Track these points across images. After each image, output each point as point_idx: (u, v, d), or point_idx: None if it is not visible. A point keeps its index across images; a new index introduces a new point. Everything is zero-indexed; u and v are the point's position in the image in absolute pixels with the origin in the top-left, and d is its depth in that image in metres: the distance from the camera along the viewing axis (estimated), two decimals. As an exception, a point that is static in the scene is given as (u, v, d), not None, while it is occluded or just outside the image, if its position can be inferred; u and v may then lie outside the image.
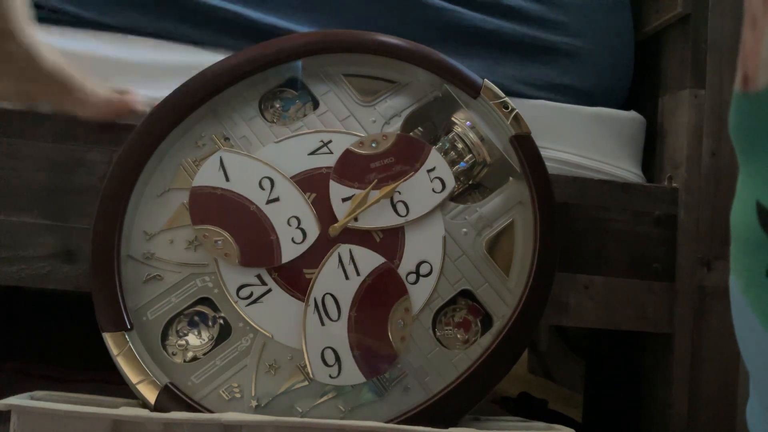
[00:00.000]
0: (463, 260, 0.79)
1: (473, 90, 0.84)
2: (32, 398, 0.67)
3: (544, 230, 0.80)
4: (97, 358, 0.75)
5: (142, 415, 0.64)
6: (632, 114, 0.99)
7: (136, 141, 0.76)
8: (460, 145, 0.84)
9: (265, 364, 0.73)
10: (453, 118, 0.85)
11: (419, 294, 0.77)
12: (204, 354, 0.73)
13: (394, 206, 0.79)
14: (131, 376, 0.70)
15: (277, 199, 0.77)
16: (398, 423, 0.72)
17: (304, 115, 0.82)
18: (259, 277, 0.76)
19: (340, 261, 0.76)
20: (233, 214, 0.76)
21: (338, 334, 0.74)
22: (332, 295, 0.75)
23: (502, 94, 0.85)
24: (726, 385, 0.90)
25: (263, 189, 0.77)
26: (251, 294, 0.75)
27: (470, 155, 0.84)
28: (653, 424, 0.95)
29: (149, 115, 0.77)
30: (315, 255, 0.76)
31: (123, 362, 0.70)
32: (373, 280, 0.76)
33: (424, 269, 0.78)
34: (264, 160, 0.78)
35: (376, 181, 0.79)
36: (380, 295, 0.76)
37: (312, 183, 0.79)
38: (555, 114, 0.94)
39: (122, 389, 0.71)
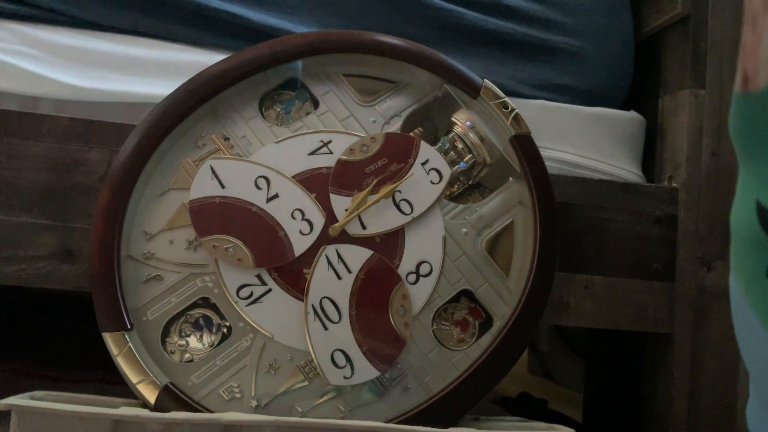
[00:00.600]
0: (463, 260, 0.79)
1: (473, 90, 0.84)
2: (32, 398, 0.67)
3: (544, 230, 0.80)
4: (97, 358, 0.76)
5: (142, 415, 0.64)
6: (632, 114, 0.99)
7: (136, 141, 0.76)
8: (460, 146, 0.84)
9: (265, 364, 0.73)
10: (453, 118, 0.85)
11: (419, 294, 0.77)
12: (200, 359, 0.73)
13: (397, 206, 0.79)
14: (131, 376, 0.70)
15: (276, 196, 0.77)
16: (398, 423, 0.72)
17: (307, 114, 0.82)
18: (259, 277, 0.76)
19: (329, 262, 0.76)
20: (237, 219, 0.76)
21: (343, 335, 0.74)
22: (329, 298, 0.75)
23: (502, 94, 0.85)
24: (726, 385, 0.90)
25: (260, 189, 0.77)
26: (251, 294, 0.75)
27: (470, 155, 0.84)
28: (653, 424, 0.95)
29: (150, 114, 0.77)
30: (314, 255, 0.76)
31: (123, 362, 0.70)
32: (365, 274, 0.76)
33: (424, 269, 0.78)
34: (262, 160, 0.78)
35: (375, 182, 0.79)
36: (376, 287, 0.76)
37: (312, 183, 0.79)
38: (555, 114, 0.94)
39: (122, 389, 0.71)
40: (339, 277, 0.76)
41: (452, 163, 0.83)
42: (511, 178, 0.83)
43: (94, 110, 0.83)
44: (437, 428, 0.69)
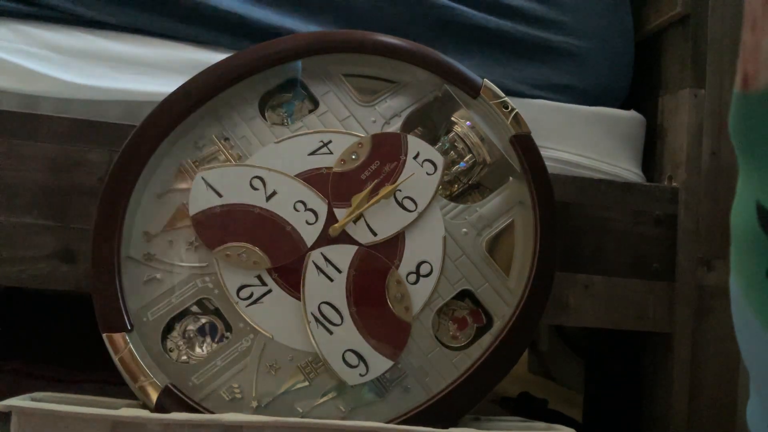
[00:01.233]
0: (463, 260, 0.79)
1: (473, 90, 0.84)
2: (33, 399, 0.67)
3: (544, 230, 0.80)
4: (98, 359, 0.76)
5: (143, 416, 0.64)
6: (632, 114, 0.99)
7: (136, 141, 0.76)
8: (460, 145, 0.84)
9: (265, 365, 0.73)
10: (453, 118, 0.85)
11: (419, 294, 0.77)
12: (195, 363, 0.73)
13: (400, 204, 0.79)
14: (131, 377, 0.70)
15: (274, 193, 0.77)
16: (398, 423, 0.72)
17: (309, 112, 0.82)
18: (259, 277, 0.76)
19: (317, 267, 0.76)
20: (242, 224, 0.76)
21: (349, 335, 0.74)
22: (326, 303, 0.75)
23: (502, 93, 0.85)
24: (726, 385, 0.90)
25: (257, 189, 0.77)
26: (251, 294, 0.75)
27: (470, 155, 0.84)
28: (653, 424, 0.95)
29: (149, 115, 0.77)
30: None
31: (123, 363, 0.70)
32: (356, 270, 0.76)
33: (424, 269, 0.78)
34: (262, 160, 0.78)
35: (373, 185, 0.79)
36: (369, 280, 0.76)
37: (312, 183, 0.78)
38: (555, 114, 0.94)
39: (123, 390, 0.72)
40: (331, 280, 0.76)
41: (452, 163, 0.83)
42: (511, 178, 0.83)
43: (94, 108, 0.83)
44: (437, 428, 0.69)
